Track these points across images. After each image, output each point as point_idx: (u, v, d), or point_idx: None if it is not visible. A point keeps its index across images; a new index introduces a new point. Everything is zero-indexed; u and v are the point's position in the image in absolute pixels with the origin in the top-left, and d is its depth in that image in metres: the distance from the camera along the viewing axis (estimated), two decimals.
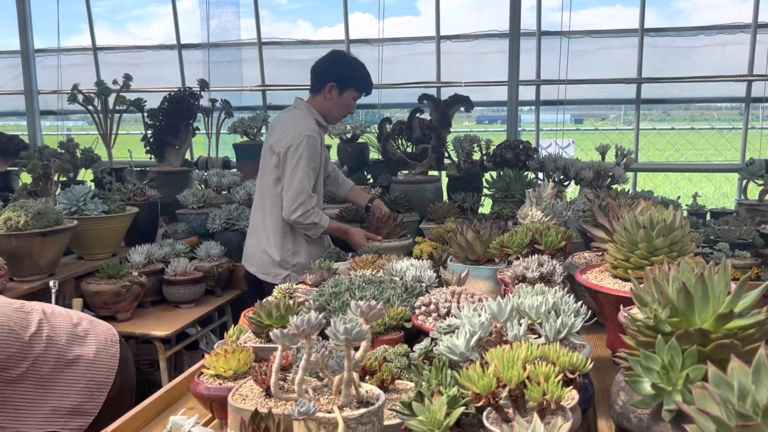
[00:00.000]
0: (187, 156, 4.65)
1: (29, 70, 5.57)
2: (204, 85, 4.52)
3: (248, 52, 5.79)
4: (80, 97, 4.03)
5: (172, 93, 4.29)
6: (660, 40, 5.03)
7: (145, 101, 4.29)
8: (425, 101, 3.82)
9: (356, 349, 1.10)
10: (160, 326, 2.78)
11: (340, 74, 2.95)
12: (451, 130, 3.83)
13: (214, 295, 3.21)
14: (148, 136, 4.26)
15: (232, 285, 3.33)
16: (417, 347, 1.42)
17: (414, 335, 1.64)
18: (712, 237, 2.94)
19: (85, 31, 6.06)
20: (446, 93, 4.65)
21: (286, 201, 2.85)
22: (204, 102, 4.45)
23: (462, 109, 3.79)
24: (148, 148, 4.29)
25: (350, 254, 2.63)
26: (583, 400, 1.23)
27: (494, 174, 3.42)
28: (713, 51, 4.96)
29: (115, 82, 4.10)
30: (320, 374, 1.15)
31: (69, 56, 5.99)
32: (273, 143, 2.93)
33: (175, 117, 4.21)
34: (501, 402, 1.01)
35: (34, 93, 5.63)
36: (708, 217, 3.59)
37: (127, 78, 4.13)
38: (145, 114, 4.28)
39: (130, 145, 4.24)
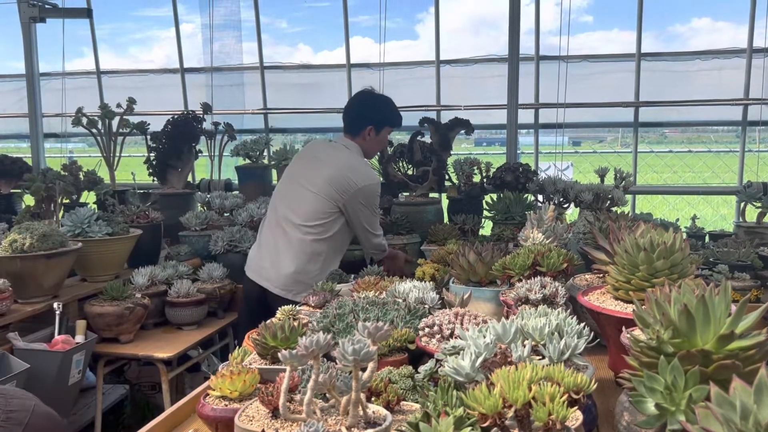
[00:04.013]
0: (190, 178, 4.69)
1: (34, 93, 5.62)
2: (207, 108, 4.57)
3: (250, 75, 5.86)
4: (84, 120, 4.08)
5: (176, 116, 4.34)
6: (657, 65, 5.09)
7: (149, 124, 4.33)
8: (426, 124, 3.87)
9: (363, 369, 1.11)
10: (162, 348, 2.79)
11: (375, 117, 3.08)
12: (451, 152, 3.87)
13: (216, 317, 3.22)
14: (151, 158, 4.29)
15: (234, 307, 3.32)
16: (422, 368, 1.43)
17: (417, 357, 1.64)
18: (711, 259, 2.96)
19: (87, 54, 6.13)
20: (446, 116, 4.69)
21: (372, 242, 3.05)
22: (207, 125, 4.50)
23: (462, 132, 3.84)
24: (150, 170, 4.32)
25: (352, 276, 2.64)
26: (587, 421, 1.24)
27: (494, 196, 3.45)
28: (709, 75, 5.02)
29: (119, 105, 4.15)
30: (327, 395, 1.17)
31: (73, 80, 6.05)
32: (335, 177, 2.89)
33: (178, 140, 4.25)
34: (507, 422, 1.03)
35: (38, 116, 5.66)
36: (707, 239, 3.61)
37: (131, 101, 4.19)
38: (149, 137, 4.32)
39: (133, 167, 4.26)
